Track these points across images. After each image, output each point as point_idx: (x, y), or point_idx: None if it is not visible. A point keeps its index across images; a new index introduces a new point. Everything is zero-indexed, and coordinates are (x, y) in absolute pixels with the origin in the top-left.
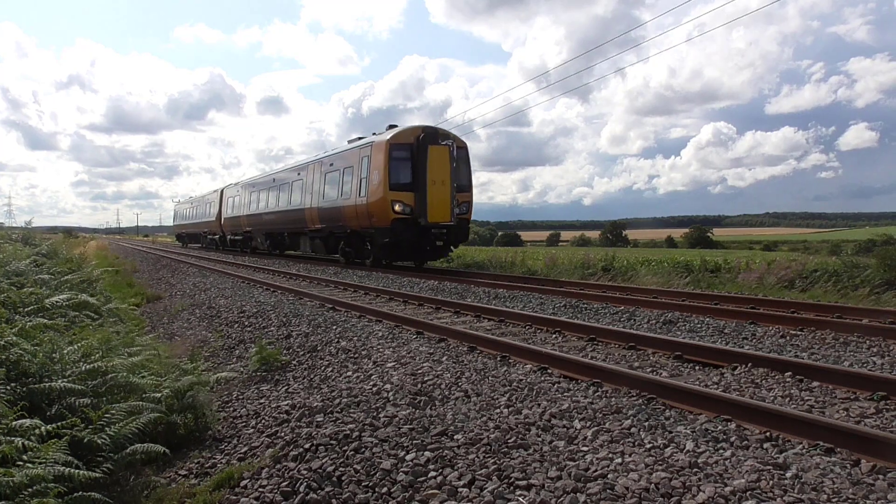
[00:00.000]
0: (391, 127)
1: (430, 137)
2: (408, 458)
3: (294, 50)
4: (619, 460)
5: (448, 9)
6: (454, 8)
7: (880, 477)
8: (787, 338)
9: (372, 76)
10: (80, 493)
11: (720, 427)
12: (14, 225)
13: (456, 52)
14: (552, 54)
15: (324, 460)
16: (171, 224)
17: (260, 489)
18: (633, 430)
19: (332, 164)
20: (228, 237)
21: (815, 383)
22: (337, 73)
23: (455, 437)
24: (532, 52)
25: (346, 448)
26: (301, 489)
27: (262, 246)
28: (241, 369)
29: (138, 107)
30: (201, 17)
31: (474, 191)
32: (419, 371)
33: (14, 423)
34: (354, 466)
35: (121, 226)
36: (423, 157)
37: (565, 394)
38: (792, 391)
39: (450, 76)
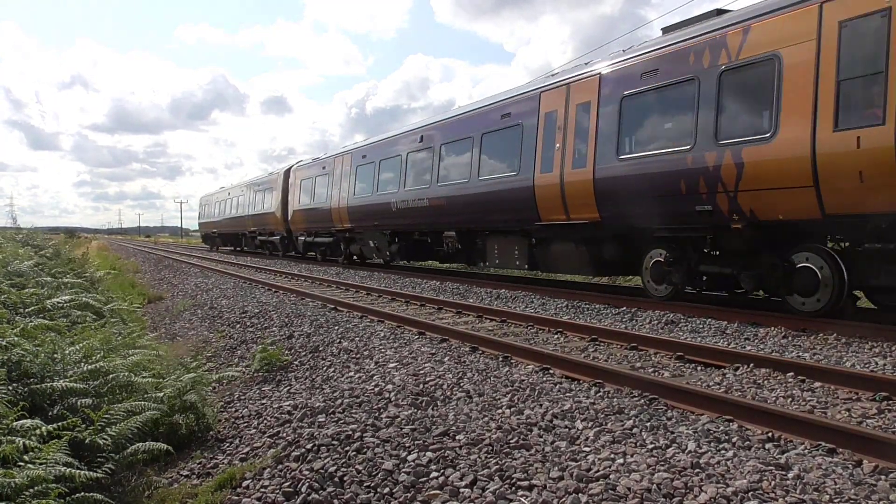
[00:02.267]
0: None
1: None
2: (410, 458)
3: (297, 49)
4: (621, 461)
5: (454, 8)
6: (459, 7)
7: (882, 477)
8: (790, 338)
9: (376, 76)
10: (82, 493)
11: (722, 427)
12: (10, 226)
13: (459, 53)
14: (557, 53)
15: (326, 461)
16: (197, 222)
17: (262, 489)
18: (634, 430)
19: (658, 71)
20: (300, 238)
21: (818, 384)
22: (340, 72)
23: (457, 437)
24: (537, 51)
25: (347, 448)
26: (303, 489)
27: (381, 253)
28: (245, 369)
29: (141, 107)
30: (203, 16)
31: None
32: (421, 371)
33: (15, 423)
34: (356, 467)
35: (122, 226)
36: None
37: (567, 394)
38: (794, 392)
39: (453, 77)
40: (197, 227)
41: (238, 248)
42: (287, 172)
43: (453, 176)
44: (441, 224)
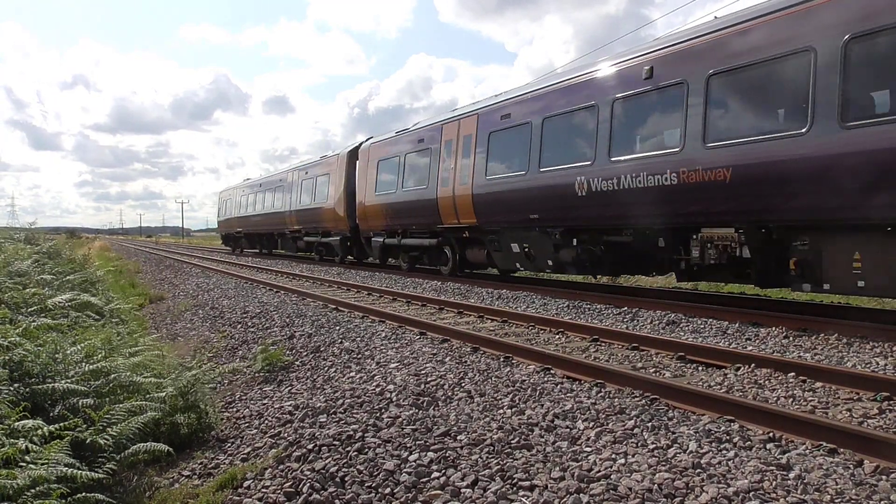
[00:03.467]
0: None
1: None
2: (411, 458)
3: (300, 49)
4: (623, 461)
5: (457, 7)
6: (463, 7)
7: (883, 478)
8: (791, 338)
9: (379, 75)
10: (83, 493)
11: (723, 428)
12: (16, 225)
13: (462, 52)
14: (559, 53)
15: (327, 461)
16: (216, 220)
17: (263, 490)
18: (636, 430)
19: None
20: (376, 240)
21: (819, 384)
22: (343, 72)
23: (458, 437)
24: (539, 51)
25: (349, 448)
26: (304, 490)
27: (533, 262)
28: (247, 368)
29: (143, 107)
30: (206, 16)
31: None
32: (422, 371)
33: (17, 423)
34: (357, 467)
35: (124, 226)
36: None
37: (568, 394)
38: (795, 392)
39: (455, 77)
40: (198, 228)
41: (267, 251)
42: (353, 153)
43: (757, 128)
44: (703, 215)
